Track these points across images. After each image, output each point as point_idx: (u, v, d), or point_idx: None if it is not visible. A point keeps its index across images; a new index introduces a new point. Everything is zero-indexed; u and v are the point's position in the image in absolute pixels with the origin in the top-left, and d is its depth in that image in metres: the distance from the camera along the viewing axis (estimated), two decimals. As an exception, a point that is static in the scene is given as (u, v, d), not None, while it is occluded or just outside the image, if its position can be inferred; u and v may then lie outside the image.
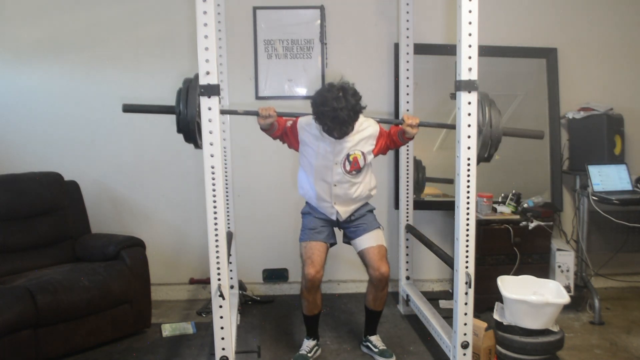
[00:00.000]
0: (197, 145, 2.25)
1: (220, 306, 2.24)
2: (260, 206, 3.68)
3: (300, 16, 3.52)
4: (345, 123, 2.37)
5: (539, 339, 2.57)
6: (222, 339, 2.28)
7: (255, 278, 3.74)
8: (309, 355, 2.76)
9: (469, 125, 2.27)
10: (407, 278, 3.41)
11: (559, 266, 3.31)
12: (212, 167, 2.15)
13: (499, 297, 2.70)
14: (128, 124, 3.56)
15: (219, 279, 2.23)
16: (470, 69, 2.23)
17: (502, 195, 3.47)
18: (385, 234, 3.71)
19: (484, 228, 3.24)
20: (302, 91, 3.57)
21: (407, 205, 3.38)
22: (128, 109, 2.33)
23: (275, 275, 3.75)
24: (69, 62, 3.49)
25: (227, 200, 3.12)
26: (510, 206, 3.38)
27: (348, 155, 2.55)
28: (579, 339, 3.01)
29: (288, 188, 3.59)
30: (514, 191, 3.43)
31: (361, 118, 2.54)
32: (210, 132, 2.13)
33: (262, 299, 3.62)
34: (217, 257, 2.22)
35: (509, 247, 3.23)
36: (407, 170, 3.33)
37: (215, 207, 2.18)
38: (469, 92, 2.25)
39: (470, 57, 2.22)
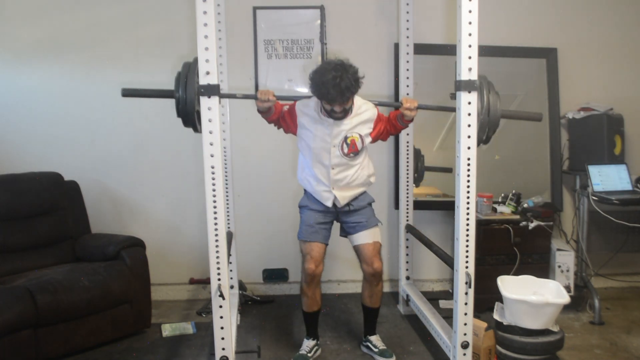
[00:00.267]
0: (196, 129, 2.23)
1: (220, 306, 2.24)
2: (260, 206, 3.68)
3: (300, 16, 3.52)
4: (347, 90, 2.35)
5: (539, 339, 2.57)
6: (222, 339, 2.28)
7: (255, 278, 3.74)
8: (309, 355, 2.76)
9: (469, 125, 2.27)
10: (407, 278, 3.41)
11: (559, 266, 3.31)
12: (212, 167, 2.15)
13: (499, 297, 2.70)
14: (128, 124, 3.56)
15: (219, 279, 2.23)
16: (470, 69, 2.23)
17: (502, 195, 3.47)
18: (385, 234, 3.74)
19: (484, 228, 3.24)
20: (302, 91, 3.57)
21: (407, 205, 3.37)
22: (127, 93, 2.32)
23: (275, 275, 3.75)
24: (69, 62, 3.49)
25: (227, 200, 3.12)
26: (510, 206, 3.38)
27: (346, 138, 2.54)
28: (579, 339, 3.01)
29: (288, 188, 3.59)
30: (514, 191, 3.43)
31: (360, 101, 2.56)
32: (210, 132, 2.13)
33: (262, 299, 3.62)
34: (217, 257, 2.22)
35: (509, 247, 3.24)
36: (407, 170, 3.33)
37: (215, 207, 2.18)
38: (469, 92, 2.25)
39: (470, 57, 2.22)
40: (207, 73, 2.09)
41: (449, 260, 2.61)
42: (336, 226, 2.81)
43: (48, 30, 3.47)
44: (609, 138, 3.41)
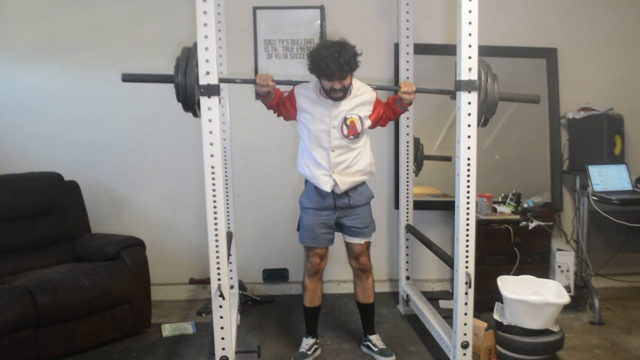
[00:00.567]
0: (196, 114, 2.23)
1: (220, 306, 2.24)
2: (260, 206, 3.68)
3: (300, 16, 3.52)
4: (346, 64, 2.35)
5: (539, 339, 2.57)
6: (222, 339, 2.28)
7: (255, 278, 3.74)
8: (309, 353, 2.77)
9: (469, 125, 2.27)
10: (407, 278, 3.41)
11: (559, 266, 3.31)
12: (212, 167, 2.15)
13: (499, 297, 2.70)
14: (128, 124, 3.56)
15: (219, 279, 2.23)
16: (470, 69, 2.23)
17: (502, 195, 3.47)
18: (385, 234, 3.75)
19: (484, 228, 3.24)
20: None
21: (407, 205, 3.38)
22: (127, 78, 2.32)
23: (275, 275, 3.75)
24: (69, 62, 3.49)
25: (227, 200, 3.12)
26: (510, 206, 3.38)
27: (345, 119, 2.53)
28: (579, 339, 3.01)
29: (288, 188, 3.60)
30: (514, 191, 3.43)
31: (358, 83, 2.56)
32: (210, 132, 2.13)
33: (262, 299, 3.62)
34: (217, 257, 2.22)
35: (509, 247, 3.24)
36: (407, 170, 3.33)
37: (215, 207, 2.18)
38: (469, 92, 2.25)
39: (470, 57, 2.22)
40: (207, 73, 2.09)
41: (449, 260, 2.61)
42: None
43: (48, 30, 3.47)
44: (609, 138, 3.41)
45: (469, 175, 2.29)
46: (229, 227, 3.09)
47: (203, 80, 2.09)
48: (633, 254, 3.57)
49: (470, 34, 2.20)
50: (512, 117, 3.62)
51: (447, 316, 2.72)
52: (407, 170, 3.33)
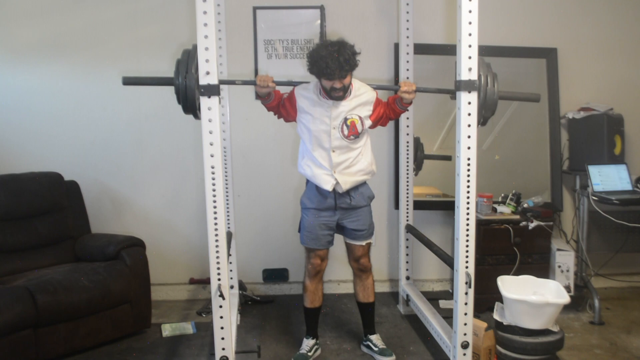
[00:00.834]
0: (197, 116, 2.23)
1: (220, 306, 2.24)
2: (260, 206, 3.68)
3: (300, 16, 3.52)
4: (346, 63, 2.35)
5: (539, 339, 2.57)
6: (222, 339, 2.28)
7: (255, 278, 3.74)
8: (309, 354, 2.77)
9: (469, 125, 2.27)
10: (407, 278, 3.41)
11: (559, 266, 3.31)
12: (212, 167, 2.15)
13: (499, 297, 2.70)
14: (128, 124, 3.56)
15: (219, 279, 2.23)
16: (470, 69, 2.23)
17: (502, 195, 3.47)
18: (385, 234, 3.75)
19: (484, 228, 3.24)
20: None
21: (407, 205, 3.38)
22: (128, 81, 2.32)
23: (275, 275, 3.75)
24: (69, 62, 3.49)
25: (227, 200, 3.12)
26: (510, 206, 3.38)
27: (345, 120, 2.52)
28: (579, 339, 3.01)
29: (288, 188, 3.60)
30: (514, 191, 3.43)
31: (358, 83, 2.56)
32: (210, 132, 2.13)
33: (262, 299, 3.62)
34: (217, 257, 2.22)
35: (509, 247, 3.24)
36: (407, 170, 3.33)
37: (215, 207, 2.18)
38: (469, 92, 2.25)
39: (470, 57, 2.22)
40: (207, 73, 2.09)
41: (449, 260, 2.61)
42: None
43: (48, 30, 3.47)
44: (609, 138, 3.40)
45: (469, 175, 2.29)
46: (229, 227, 3.09)
47: (203, 81, 2.09)
48: (633, 254, 3.57)
49: (470, 34, 2.20)
50: (512, 117, 3.62)
51: (447, 316, 2.72)
52: (407, 170, 3.33)
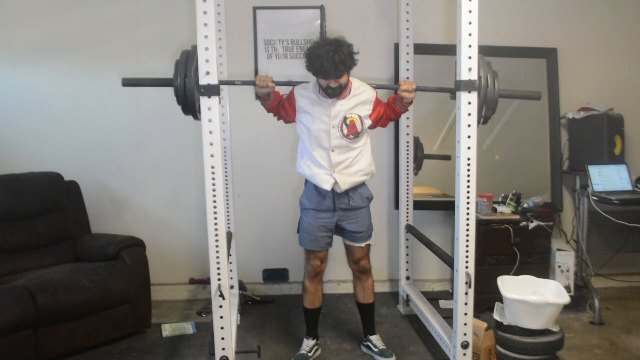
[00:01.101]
0: (196, 117, 2.23)
1: (220, 306, 2.25)
2: (260, 206, 3.68)
3: (300, 16, 3.52)
4: (342, 63, 2.34)
5: (539, 339, 2.57)
6: (222, 339, 2.28)
7: (255, 278, 3.74)
8: (309, 354, 2.77)
9: (469, 125, 2.27)
10: (407, 278, 3.41)
11: (559, 266, 3.31)
12: (212, 167, 2.15)
13: (499, 297, 2.70)
14: (128, 124, 3.57)
15: (219, 279, 2.23)
16: (470, 69, 2.23)
17: (502, 195, 3.47)
18: (385, 234, 3.75)
19: (484, 228, 3.24)
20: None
21: (407, 205, 3.37)
22: (127, 82, 2.32)
23: (275, 275, 3.75)
24: (69, 62, 3.49)
25: (227, 200, 3.12)
26: (510, 206, 3.38)
27: (345, 119, 2.51)
28: (579, 339, 3.01)
29: (288, 188, 3.60)
30: (514, 191, 3.43)
31: (357, 82, 2.55)
32: (210, 132, 2.13)
33: (262, 299, 3.62)
34: (217, 257, 2.22)
35: (509, 247, 3.24)
36: (407, 170, 3.33)
37: (215, 207, 2.18)
38: (469, 92, 2.25)
39: (470, 57, 2.22)
40: (207, 73, 2.09)
41: (449, 260, 2.61)
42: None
43: (48, 30, 3.47)
44: (609, 138, 3.40)
45: (469, 175, 2.29)
46: (229, 227, 3.09)
47: (203, 80, 2.09)
48: (633, 254, 3.57)
49: (470, 34, 2.20)
50: (512, 117, 3.62)
51: (447, 316, 2.72)
52: (407, 170, 3.33)
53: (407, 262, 3.41)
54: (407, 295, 3.27)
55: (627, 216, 3.24)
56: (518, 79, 3.69)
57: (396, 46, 3.54)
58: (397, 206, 3.58)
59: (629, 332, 3.10)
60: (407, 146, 3.31)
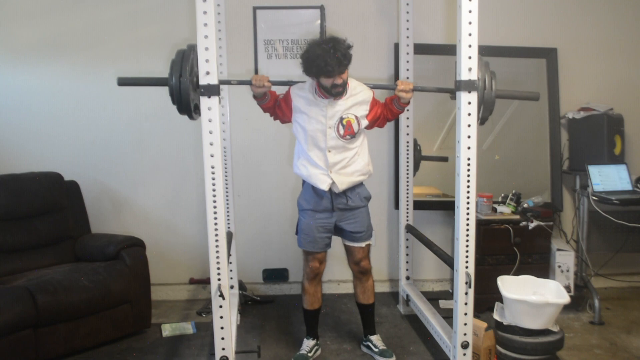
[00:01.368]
0: (191, 117, 2.23)
1: (220, 306, 2.24)
2: (260, 206, 3.68)
3: (300, 16, 3.52)
4: (344, 57, 2.35)
5: (539, 339, 2.57)
6: (222, 339, 2.28)
7: (255, 278, 3.74)
8: (309, 355, 2.76)
9: (469, 125, 2.27)
10: (407, 278, 3.41)
11: (559, 266, 3.31)
12: (212, 167, 2.15)
13: (499, 297, 2.70)
14: (128, 124, 3.57)
15: (219, 279, 2.23)
16: (470, 69, 2.23)
17: (502, 195, 3.47)
18: (385, 234, 3.75)
19: (484, 228, 3.24)
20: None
21: (407, 205, 3.38)
22: (122, 81, 2.32)
23: (275, 275, 3.75)
24: (69, 62, 3.49)
25: (227, 200, 3.12)
26: (510, 206, 3.38)
27: (341, 119, 2.50)
28: (579, 339, 3.01)
29: (288, 187, 3.60)
30: (514, 191, 3.43)
31: (354, 82, 2.55)
32: (210, 132, 2.13)
33: (262, 299, 3.62)
34: (217, 257, 2.22)
35: (509, 247, 3.24)
36: (407, 170, 3.33)
37: (215, 207, 2.18)
38: (469, 92, 2.25)
39: (470, 57, 2.22)
40: (207, 73, 2.09)
41: (449, 260, 2.61)
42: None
43: (48, 30, 3.47)
44: (609, 138, 3.40)
45: (469, 175, 2.29)
46: (229, 227, 3.09)
47: (203, 81, 2.09)
48: (633, 254, 3.57)
49: (470, 34, 2.20)
50: (512, 117, 3.63)
51: (447, 316, 2.72)
52: (407, 170, 3.33)
53: (407, 262, 3.41)
54: (407, 295, 3.27)
55: (627, 216, 3.24)
56: (518, 79, 3.70)
57: (396, 46, 3.54)
58: (397, 206, 3.58)
59: (629, 332, 3.10)
60: (407, 146, 3.31)
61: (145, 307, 3.09)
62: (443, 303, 3.46)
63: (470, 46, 2.21)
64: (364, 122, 2.56)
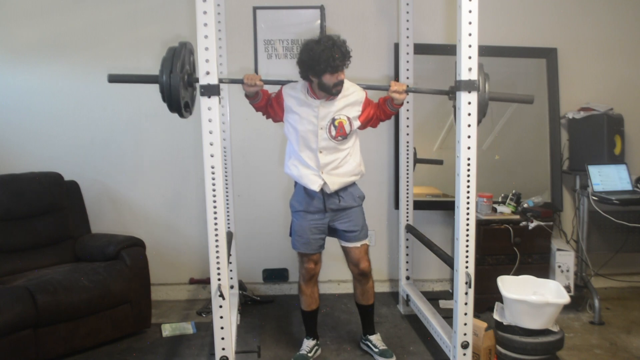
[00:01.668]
0: (182, 115, 2.23)
1: (220, 306, 2.25)
2: (260, 206, 3.68)
3: (300, 16, 3.52)
4: (342, 58, 2.35)
5: (539, 339, 2.57)
6: (222, 339, 2.28)
7: (255, 278, 3.74)
8: (309, 355, 2.76)
9: (469, 125, 2.27)
10: (407, 278, 3.41)
11: (559, 266, 3.31)
12: (212, 167, 2.15)
13: (499, 297, 2.70)
14: (128, 124, 3.56)
15: (219, 279, 2.23)
16: (470, 69, 2.23)
17: (502, 195, 3.47)
18: (385, 234, 3.75)
19: (484, 228, 3.24)
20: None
21: (407, 205, 3.38)
22: (113, 79, 2.33)
23: (275, 275, 3.75)
24: (69, 62, 3.49)
25: (227, 200, 3.12)
26: (510, 206, 3.38)
27: (333, 120, 2.48)
28: (579, 339, 3.01)
29: (288, 188, 3.59)
30: (514, 191, 3.43)
31: (347, 83, 2.52)
32: (210, 132, 2.13)
33: (262, 299, 3.62)
34: (217, 257, 2.22)
35: (509, 247, 3.24)
36: (407, 170, 3.33)
37: (215, 207, 2.18)
38: (469, 92, 2.25)
39: (470, 57, 2.22)
40: (207, 73, 2.09)
41: (449, 260, 2.61)
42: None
43: (48, 30, 3.47)
44: (609, 138, 3.40)
45: (469, 175, 2.29)
46: (229, 227, 3.09)
47: (203, 81, 2.09)
48: (633, 254, 3.57)
49: (470, 34, 2.20)
50: (512, 117, 3.62)
51: (447, 316, 2.72)
52: (407, 170, 3.33)
53: (407, 262, 3.41)
54: (407, 295, 3.27)
55: (627, 216, 3.24)
56: (518, 79, 3.70)
57: (396, 46, 3.54)
58: (397, 206, 3.58)
59: (629, 332, 3.10)
60: (407, 146, 3.31)
61: (145, 307, 3.09)
62: (443, 303, 3.46)
63: (470, 46, 2.21)
64: (356, 123, 2.55)
